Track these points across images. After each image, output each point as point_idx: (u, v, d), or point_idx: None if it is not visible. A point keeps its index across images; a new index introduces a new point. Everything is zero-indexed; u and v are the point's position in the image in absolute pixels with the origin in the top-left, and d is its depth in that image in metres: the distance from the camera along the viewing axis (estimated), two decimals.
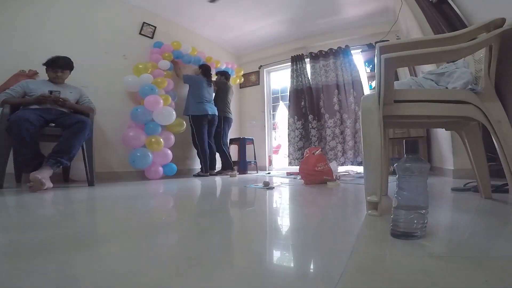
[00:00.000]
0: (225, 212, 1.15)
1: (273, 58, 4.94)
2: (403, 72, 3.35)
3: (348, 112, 4.11)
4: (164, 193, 1.90)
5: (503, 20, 0.95)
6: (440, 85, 1.12)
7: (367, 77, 3.87)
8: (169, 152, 3.17)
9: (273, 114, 5.27)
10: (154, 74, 3.26)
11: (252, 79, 5.23)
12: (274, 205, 1.32)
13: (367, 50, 3.93)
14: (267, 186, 1.96)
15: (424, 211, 0.63)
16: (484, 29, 0.98)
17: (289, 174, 3.40)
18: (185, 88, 3.81)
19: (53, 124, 2.08)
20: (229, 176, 3.38)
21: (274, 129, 5.39)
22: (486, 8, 1.47)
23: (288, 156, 4.51)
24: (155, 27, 3.68)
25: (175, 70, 3.70)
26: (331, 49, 4.30)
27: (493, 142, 1.00)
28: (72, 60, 2.33)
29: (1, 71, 2.32)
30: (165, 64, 3.44)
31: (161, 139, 3.03)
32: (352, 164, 4.02)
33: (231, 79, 4.32)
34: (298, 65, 4.56)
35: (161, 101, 3.03)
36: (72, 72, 2.37)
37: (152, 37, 3.66)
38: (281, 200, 1.44)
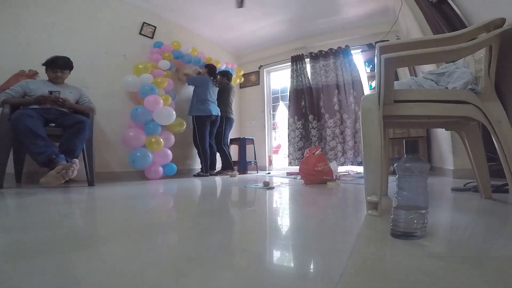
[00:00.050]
0: (225, 212, 1.15)
1: (273, 58, 4.94)
2: (403, 72, 3.35)
3: (348, 112, 4.11)
4: (164, 193, 1.90)
5: (503, 20, 0.95)
6: (440, 85, 1.12)
7: (367, 77, 3.87)
8: (169, 152, 3.17)
9: (273, 114, 5.26)
10: (154, 74, 3.26)
11: (252, 79, 5.23)
12: (274, 205, 1.32)
13: (367, 50, 3.92)
14: (267, 186, 1.96)
15: (424, 211, 0.63)
16: (484, 29, 0.98)
17: (289, 174, 3.39)
18: (185, 89, 3.81)
19: (53, 124, 2.09)
20: (229, 176, 3.38)
21: (274, 129, 5.39)
22: (486, 8, 1.47)
23: (288, 156, 4.51)
24: (155, 27, 3.68)
25: (176, 75, 3.70)
26: (331, 49, 4.30)
27: (493, 142, 1.00)
28: (72, 60, 2.33)
29: (1, 71, 2.31)
30: (165, 64, 3.44)
31: (161, 139, 3.03)
32: (352, 164, 4.02)
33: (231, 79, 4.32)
34: (298, 65, 4.55)
35: (161, 101, 3.03)
36: (72, 72, 2.37)
37: (152, 37, 3.66)
38: (281, 200, 1.44)
